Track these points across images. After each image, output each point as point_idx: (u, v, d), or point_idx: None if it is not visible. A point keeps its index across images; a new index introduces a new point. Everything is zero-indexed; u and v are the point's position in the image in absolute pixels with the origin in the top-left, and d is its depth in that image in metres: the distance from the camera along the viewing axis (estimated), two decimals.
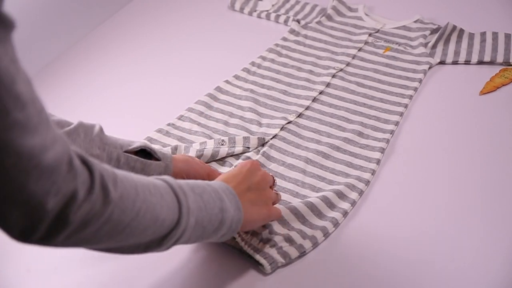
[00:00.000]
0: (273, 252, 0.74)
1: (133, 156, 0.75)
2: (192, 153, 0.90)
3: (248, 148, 0.92)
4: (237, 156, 0.92)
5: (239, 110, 1.01)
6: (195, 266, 0.76)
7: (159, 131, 0.97)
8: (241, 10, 1.33)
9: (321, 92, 1.04)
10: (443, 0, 1.30)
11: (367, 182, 0.86)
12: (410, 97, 1.02)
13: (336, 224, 0.79)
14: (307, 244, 0.76)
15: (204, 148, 0.91)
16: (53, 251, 0.78)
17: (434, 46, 1.13)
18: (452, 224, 0.79)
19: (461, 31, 1.14)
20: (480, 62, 1.09)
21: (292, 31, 1.21)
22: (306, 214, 0.79)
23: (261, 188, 0.73)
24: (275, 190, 0.78)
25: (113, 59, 1.22)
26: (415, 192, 0.85)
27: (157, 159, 0.77)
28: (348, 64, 1.11)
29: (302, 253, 0.75)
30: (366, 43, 1.16)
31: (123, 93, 1.11)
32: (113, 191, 0.52)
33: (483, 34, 1.13)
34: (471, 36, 1.14)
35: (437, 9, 1.25)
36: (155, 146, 0.93)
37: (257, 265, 0.74)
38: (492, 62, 1.08)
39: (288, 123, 0.97)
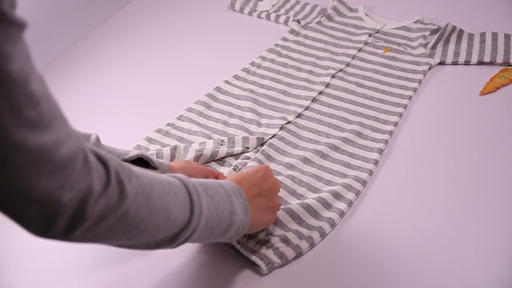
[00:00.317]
0: (269, 253, 0.74)
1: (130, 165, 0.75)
2: (192, 153, 0.90)
3: (248, 148, 0.92)
4: (236, 156, 0.92)
5: (239, 110, 1.02)
6: (193, 267, 0.76)
7: (159, 131, 0.97)
8: (241, 10, 1.33)
9: (320, 93, 1.04)
10: (443, 0, 1.30)
11: (364, 183, 0.86)
12: (410, 97, 1.02)
13: (332, 224, 0.79)
14: (304, 244, 0.76)
15: (204, 148, 0.91)
16: (53, 251, 0.78)
17: (434, 47, 1.13)
18: (451, 225, 0.79)
19: (461, 31, 1.14)
20: (480, 63, 1.09)
21: (292, 31, 1.21)
22: (303, 215, 0.79)
23: (270, 195, 0.74)
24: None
25: (113, 59, 1.22)
26: (414, 192, 0.85)
27: (154, 168, 0.77)
28: (348, 65, 1.11)
29: (299, 254, 0.76)
30: (366, 43, 1.16)
31: (123, 93, 1.12)
32: (129, 187, 0.53)
33: (482, 35, 1.13)
34: (471, 36, 1.14)
35: (437, 10, 1.25)
36: (154, 147, 0.93)
37: (254, 266, 0.74)
38: (492, 63, 1.08)
39: (287, 123, 0.97)
